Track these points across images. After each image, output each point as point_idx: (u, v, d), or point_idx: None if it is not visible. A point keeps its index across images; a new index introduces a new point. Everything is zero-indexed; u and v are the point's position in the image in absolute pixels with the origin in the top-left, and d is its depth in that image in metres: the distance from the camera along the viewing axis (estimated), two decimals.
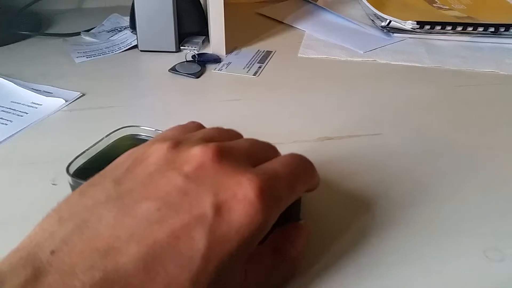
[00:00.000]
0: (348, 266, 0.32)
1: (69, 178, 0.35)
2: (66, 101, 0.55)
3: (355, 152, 0.47)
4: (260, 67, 0.68)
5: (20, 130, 0.49)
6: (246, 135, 0.48)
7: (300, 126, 0.52)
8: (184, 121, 0.51)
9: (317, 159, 0.46)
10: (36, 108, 0.54)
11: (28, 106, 0.54)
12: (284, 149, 0.48)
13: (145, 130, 0.42)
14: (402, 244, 0.35)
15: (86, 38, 0.77)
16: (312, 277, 0.31)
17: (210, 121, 0.54)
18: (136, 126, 0.42)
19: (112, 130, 0.41)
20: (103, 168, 0.38)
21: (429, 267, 0.32)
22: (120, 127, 0.41)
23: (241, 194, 0.23)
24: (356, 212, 0.38)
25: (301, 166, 0.31)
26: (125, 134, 0.42)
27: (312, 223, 0.36)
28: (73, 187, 0.36)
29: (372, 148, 0.47)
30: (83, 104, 0.55)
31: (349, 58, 0.71)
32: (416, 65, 0.69)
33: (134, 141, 0.42)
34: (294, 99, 0.58)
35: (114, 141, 0.41)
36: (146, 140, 0.42)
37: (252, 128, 0.51)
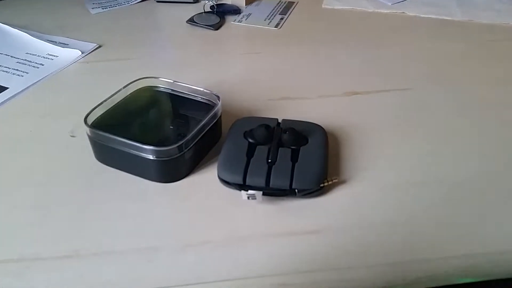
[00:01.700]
0: None
1: (87, 129, 0.34)
2: (82, 52, 0.53)
3: (384, 107, 0.44)
4: (282, 18, 0.65)
5: (36, 82, 0.48)
6: (267, 90, 0.47)
7: (326, 80, 0.49)
8: (202, 73, 0.50)
9: (345, 114, 0.45)
10: (52, 59, 0.52)
11: (44, 57, 0.52)
12: (310, 104, 0.47)
13: (163, 81, 0.40)
14: None
15: None
16: None
17: (229, 75, 0.52)
18: (154, 77, 0.40)
19: (129, 82, 0.39)
20: (120, 119, 0.37)
21: None
22: (138, 78, 0.40)
23: None
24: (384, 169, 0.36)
25: None
26: (142, 86, 0.40)
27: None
28: (91, 138, 0.35)
29: (402, 103, 0.45)
30: (100, 56, 0.53)
31: (376, 10, 0.67)
32: (447, 18, 0.65)
33: (152, 92, 0.40)
34: (318, 53, 0.55)
35: (131, 92, 0.39)
36: (164, 92, 0.40)
37: (274, 82, 0.49)
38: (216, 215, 0.32)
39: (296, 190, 0.33)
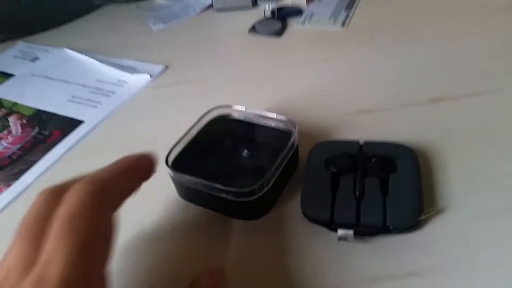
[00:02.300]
0: None
1: (169, 171, 0.34)
2: (150, 75, 0.53)
3: (480, 114, 0.40)
4: (347, 15, 0.60)
5: (110, 113, 0.49)
6: (342, 103, 0.44)
7: (405, 86, 0.45)
8: (271, 89, 0.48)
9: (432, 127, 0.39)
10: (123, 86, 0.53)
11: (115, 84, 0.53)
12: (392, 117, 0.42)
13: (235, 110, 0.39)
14: None
15: (159, 1, 0.74)
16: None
17: (299, 89, 0.50)
18: (226, 106, 0.39)
19: (203, 113, 0.38)
20: (198, 155, 0.36)
21: None
22: (210, 108, 0.38)
23: None
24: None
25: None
26: (215, 115, 0.39)
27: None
28: (174, 179, 0.35)
29: (500, 109, 0.40)
30: (168, 79, 0.53)
31: None
32: None
33: (225, 122, 0.39)
34: (392, 53, 0.51)
35: (205, 124, 0.38)
36: (238, 121, 0.39)
37: (348, 94, 0.45)
38: (303, 256, 0.30)
39: (391, 227, 0.30)
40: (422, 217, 0.30)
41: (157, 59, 0.56)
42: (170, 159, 0.34)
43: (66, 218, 0.22)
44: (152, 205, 0.36)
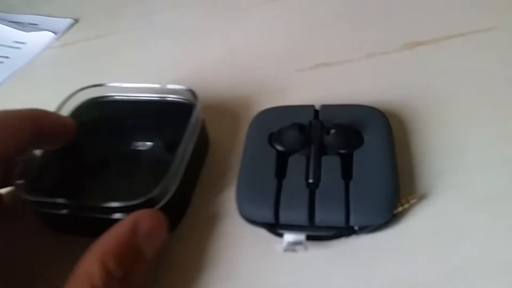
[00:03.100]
0: None
1: (23, 195, 0.23)
2: (55, 33, 0.42)
3: (464, 60, 0.31)
4: None
5: (2, 82, 0.38)
6: (294, 56, 0.34)
7: (374, 30, 0.36)
8: (202, 38, 0.37)
9: (408, 79, 0.31)
10: (20, 48, 0.41)
11: (9, 47, 0.42)
12: (356, 70, 0.32)
13: (111, 87, 0.28)
14: None
15: None
16: None
17: (237, 39, 0.39)
18: (98, 85, 0.28)
19: (64, 99, 0.27)
20: (63, 163, 0.25)
21: None
22: (73, 91, 0.28)
23: None
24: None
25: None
26: (85, 100, 0.28)
27: None
28: (33, 206, 0.23)
29: (488, 51, 0.31)
30: (77, 35, 0.42)
31: None
32: None
33: (100, 107, 0.28)
34: None
35: (74, 110, 0.28)
36: (120, 101, 0.28)
37: (301, 43, 0.36)
38: (238, 271, 0.22)
39: (356, 227, 0.22)
40: (399, 209, 0.22)
41: (65, 13, 0.45)
42: (22, 180, 0.23)
43: None
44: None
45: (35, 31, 0.42)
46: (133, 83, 0.28)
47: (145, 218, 0.20)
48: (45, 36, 0.42)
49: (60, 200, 0.22)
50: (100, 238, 0.19)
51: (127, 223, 0.20)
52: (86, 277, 0.18)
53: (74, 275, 0.18)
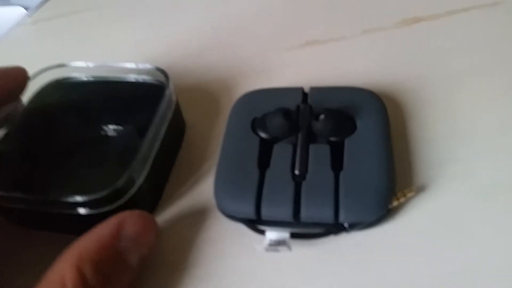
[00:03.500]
0: None
1: None
2: (26, 9, 0.39)
3: (467, 38, 0.28)
4: None
5: None
6: (282, 32, 0.31)
7: (367, 7, 0.33)
8: (187, 14, 0.35)
9: (406, 58, 0.28)
10: None
11: None
12: (351, 48, 0.30)
13: (76, 68, 0.26)
14: None
15: None
16: None
17: (225, 16, 0.36)
18: (64, 65, 0.26)
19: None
20: (23, 150, 0.23)
21: None
22: (39, 69, 0.25)
23: None
24: None
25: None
26: (47, 82, 0.26)
27: None
28: None
29: (489, 26, 0.29)
30: (50, 11, 0.39)
31: None
32: None
33: (64, 89, 0.26)
34: None
35: (32, 98, 0.25)
36: (86, 83, 0.26)
37: (291, 18, 0.33)
38: (218, 266, 0.20)
39: (347, 224, 0.19)
40: (395, 203, 0.20)
41: None
42: None
43: None
44: None
45: (4, 5, 0.39)
46: (101, 62, 0.25)
47: (131, 220, 0.18)
48: (15, 12, 0.39)
49: (18, 194, 0.20)
50: (79, 239, 0.17)
51: (110, 225, 0.18)
52: (60, 283, 0.16)
53: (46, 278, 0.16)
